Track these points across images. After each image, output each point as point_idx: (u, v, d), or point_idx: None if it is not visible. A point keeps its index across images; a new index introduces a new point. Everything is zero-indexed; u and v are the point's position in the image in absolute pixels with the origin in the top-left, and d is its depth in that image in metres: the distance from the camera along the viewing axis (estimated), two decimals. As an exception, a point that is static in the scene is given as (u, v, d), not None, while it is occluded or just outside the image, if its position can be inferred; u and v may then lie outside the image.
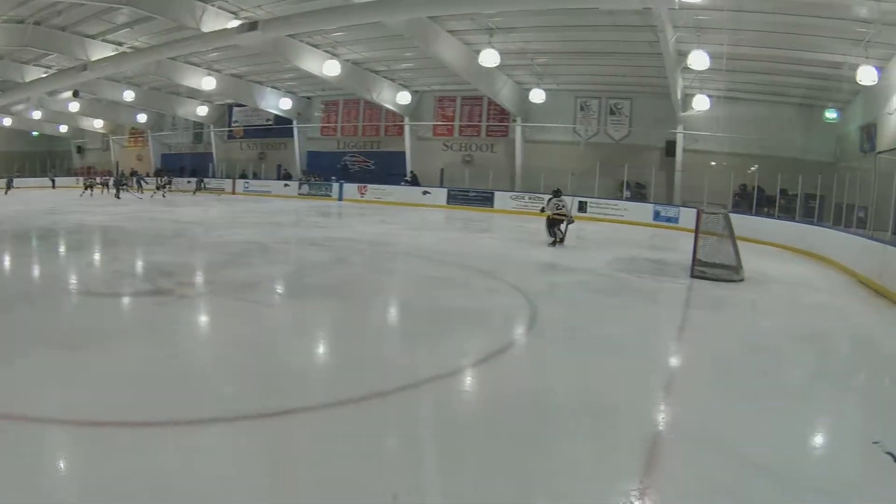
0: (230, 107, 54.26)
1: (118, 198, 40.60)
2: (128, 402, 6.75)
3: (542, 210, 23.30)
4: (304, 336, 10.11)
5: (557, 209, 22.77)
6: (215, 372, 8.02)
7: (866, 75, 25.48)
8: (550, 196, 23.40)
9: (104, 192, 44.42)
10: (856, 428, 7.64)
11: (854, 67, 25.92)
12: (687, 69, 29.48)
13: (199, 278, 14.90)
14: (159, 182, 46.19)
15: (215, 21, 28.38)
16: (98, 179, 47.13)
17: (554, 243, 22.52)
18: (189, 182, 50.28)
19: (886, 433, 7.19)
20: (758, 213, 33.01)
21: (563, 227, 22.78)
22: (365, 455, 5.92)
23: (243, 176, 53.02)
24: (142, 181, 47.46)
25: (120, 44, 34.93)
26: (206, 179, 51.41)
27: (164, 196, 43.09)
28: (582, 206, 38.57)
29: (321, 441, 6.19)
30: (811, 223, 27.12)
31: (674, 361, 10.01)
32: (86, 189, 44.17)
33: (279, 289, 14.16)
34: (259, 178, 52.89)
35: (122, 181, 44.87)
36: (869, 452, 6.63)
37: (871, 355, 11.38)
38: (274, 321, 11.14)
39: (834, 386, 9.17)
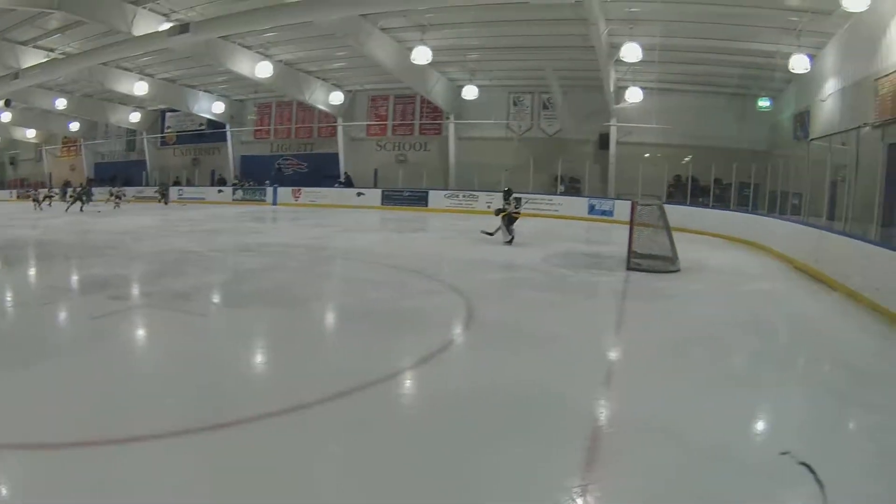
0: (163, 112, 53.22)
1: (81, 210, 39.05)
2: (64, 420, 6.47)
3: (502, 210, 23.10)
4: (241, 345, 9.81)
5: (516, 208, 22.81)
6: (154, 385, 7.74)
7: (799, 64, 25.83)
8: (506, 196, 23.43)
9: (51, 204, 42.91)
10: (799, 411, 7.68)
11: (786, 56, 26.25)
12: (620, 62, 29.65)
13: (134, 290, 14.50)
14: (112, 192, 44.40)
15: (147, 24, 27.83)
16: (47, 191, 45.72)
17: (511, 241, 22.41)
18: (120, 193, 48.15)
19: (827, 415, 7.39)
20: (692, 204, 33.29)
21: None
22: (307, 462, 5.81)
23: (177, 183, 51.94)
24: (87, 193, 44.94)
25: (51, 50, 34.15)
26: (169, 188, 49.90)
27: (116, 206, 41.88)
28: (517, 202, 38.68)
29: (263, 451, 5.99)
30: (746, 211, 27.36)
31: (613, 354, 10.01)
32: (34, 202, 42.37)
33: (215, 298, 13.87)
34: (193, 185, 51.87)
35: (84, 193, 42.58)
36: (814, 434, 6.68)
37: (810, 339, 11.52)
38: (211, 331, 10.87)
39: (775, 371, 9.16)
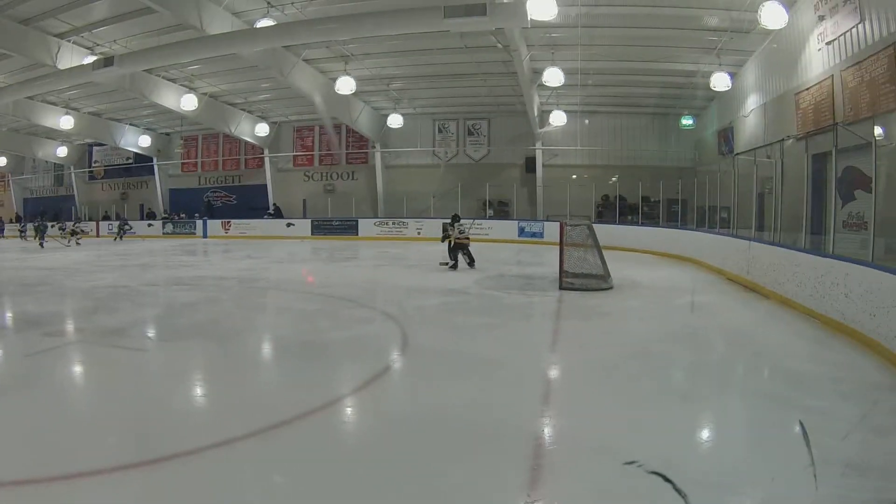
0: (90, 146, 52.41)
1: (41, 246, 38.10)
2: (3, 459, 6.32)
3: (447, 236, 23.03)
4: (177, 379, 9.57)
5: (461, 233, 22.72)
6: (91, 422, 7.59)
7: (720, 81, 26.47)
8: (451, 222, 23.29)
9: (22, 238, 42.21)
10: (738, 420, 7.74)
11: (707, 75, 26.88)
12: (542, 86, 29.96)
13: (68, 326, 14.12)
14: (73, 227, 42.71)
15: (71, 58, 27.41)
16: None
17: (455, 266, 22.42)
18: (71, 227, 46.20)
19: (768, 422, 7.43)
20: (622, 222, 33.71)
21: (469, 250, 22.81)
22: (246, 495, 5.74)
23: (106, 217, 51.05)
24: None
25: (-25, 83, 33.62)
26: (128, 222, 47.91)
27: (77, 243, 40.33)
28: (445, 228, 38.81)
29: (205, 485, 5.92)
30: (675, 227, 27.65)
31: (551, 373, 9.91)
32: None
33: (150, 332, 13.52)
34: (122, 220, 50.43)
35: (44, 227, 41.22)
36: (754, 443, 6.73)
37: (745, 349, 11.53)
38: (146, 366, 10.57)
39: (713, 381, 9.30)
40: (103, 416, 7.81)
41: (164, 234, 47.16)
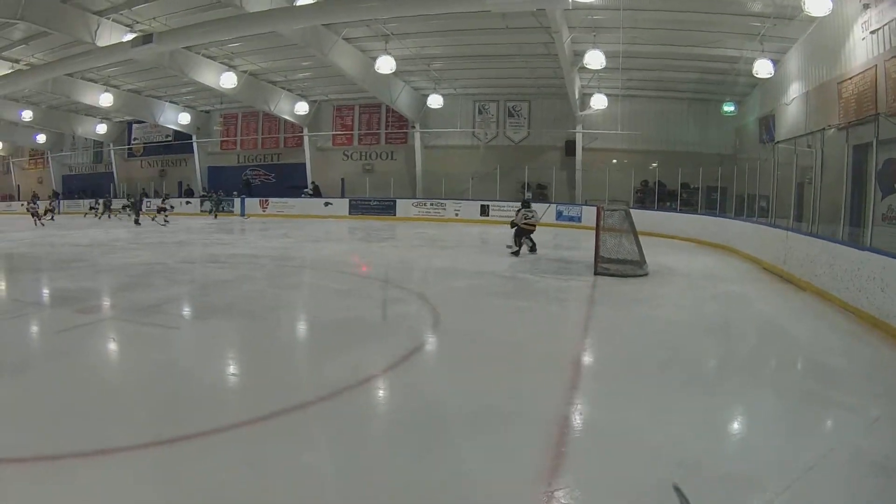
0: (129, 124, 52.68)
1: (138, 224, 37.95)
2: (31, 434, 6.37)
3: (513, 222, 22.49)
4: (210, 357, 9.65)
5: (526, 219, 22.19)
6: (124, 399, 7.58)
7: (763, 68, 26.12)
8: (520, 207, 22.81)
9: (53, 218, 41.77)
10: (768, 416, 7.61)
11: (750, 61, 26.54)
12: (584, 69, 29.79)
13: (102, 303, 14.18)
14: (161, 205, 41.19)
15: (111, 35, 27.58)
16: (47, 204, 43.48)
17: (517, 252, 21.92)
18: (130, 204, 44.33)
19: (798, 418, 7.31)
20: (660, 208, 33.48)
21: (531, 237, 22.22)
22: (281, 469, 5.70)
23: (145, 194, 50.20)
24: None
25: (16, 61, 33.77)
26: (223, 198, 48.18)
27: (165, 221, 39.21)
28: (484, 210, 38.74)
29: (238, 461, 5.93)
30: (714, 215, 27.43)
31: (580, 360, 9.82)
32: (34, 216, 39.61)
33: (184, 310, 13.61)
34: (161, 197, 49.51)
35: (138, 205, 41.18)
36: (782, 439, 6.61)
37: (780, 342, 11.42)
38: (179, 343, 10.65)
39: (744, 375, 9.11)
40: (133, 392, 7.85)
41: (201, 211, 47.27)
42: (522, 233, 22.03)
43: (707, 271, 19.11)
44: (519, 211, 22.42)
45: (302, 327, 12.50)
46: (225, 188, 47.63)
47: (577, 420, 7.10)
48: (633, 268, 17.83)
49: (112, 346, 10.50)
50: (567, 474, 5.71)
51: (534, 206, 23.14)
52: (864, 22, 19.05)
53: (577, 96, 35.27)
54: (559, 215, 36.71)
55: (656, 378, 8.78)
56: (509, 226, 23.00)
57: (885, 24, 17.93)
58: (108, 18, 27.38)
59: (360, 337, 10.83)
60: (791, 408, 7.65)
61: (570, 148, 39.56)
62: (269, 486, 5.44)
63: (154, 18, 27.61)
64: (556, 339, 11.02)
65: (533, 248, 22.17)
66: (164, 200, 41.30)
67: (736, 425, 7.43)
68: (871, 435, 6.72)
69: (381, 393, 8.20)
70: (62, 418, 6.82)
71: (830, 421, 7.32)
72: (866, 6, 18.84)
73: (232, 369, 9.23)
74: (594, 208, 19.73)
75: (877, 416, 7.29)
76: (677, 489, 5.33)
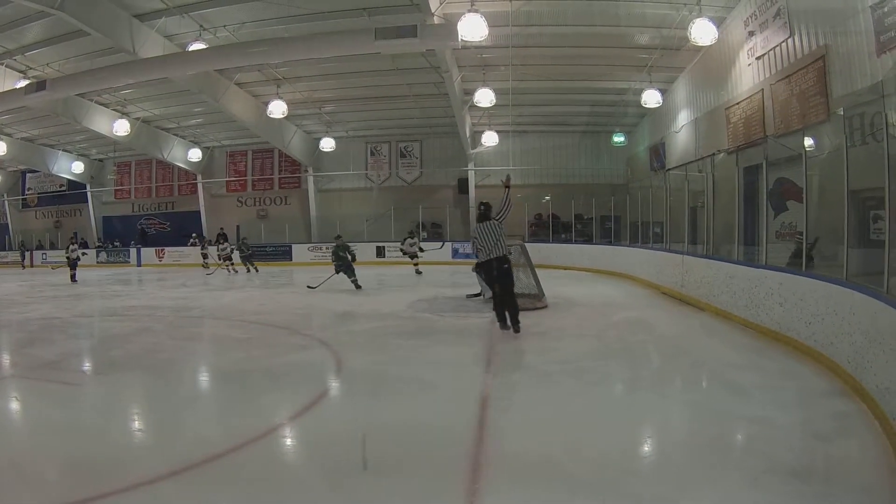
0: (24, 173, 51.71)
1: (254, 269, 35.85)
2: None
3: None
4: (114, 413, 9.35)
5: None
6: (29, 461, 7.38)
7: (651, 98, 27.02)
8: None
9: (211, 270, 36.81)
10: (677, 433, 7.76)
11: (638, 92, 27.35)
12: (474, 107, 30.08)
13: (2, 361, 13.92)
14: (242, 251, 36.80)
15: (4, 81, 27.07)
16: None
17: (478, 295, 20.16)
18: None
19: (705, 435, 7.40)
20: (555, 240, 33.90)
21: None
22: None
23: (40, 247, 50.08)
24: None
25: None
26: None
27: (255, 269, 36.30)
28: (379, 251, 38.85)
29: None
30: (609, 243, 27.82)
31: (486, 393, 9.72)
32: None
33: (84, 366, 13.31)
34: (56, 248, 49.02)
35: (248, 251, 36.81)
36: (694, 455, 6.74)
37: (682, 361, 11.62)
38: (82, 400, 10.39)
39: (650, 396, 9.27)
40: (38, 454, 7.57)
41: (97, 263, 46.21)
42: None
43: (606, 299, 19.30)
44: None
45: (205, 379, 12.30)
46: (121, 238, 46.87)
47: (487, 453, 7.02)
48: (532, 300, 17.93)
49: (15, 405, 10.22)
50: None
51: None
52: (750, 49, 19.70)
53: (468, 134, 35.77)
54: (455, 253, 36.95)
55: (564, 406, 8.81)
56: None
57: (771, 50, 18.56)
58: (2, 64, 26.92)
59: (263, 386, 10.67)
60: (700, 424, 7.78)
61: (463, 186, 40.07)
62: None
63: (48, 64, 27.17)
64: (461, 374, 10.93)
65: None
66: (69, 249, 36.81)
67: (647, 446, 7.50)
68: (780, 443, 6.87)
69: (288, 441, 8.10)
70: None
71: (740, 433, 7.43)
72: (751, 34, 19.48)
73: (137, 425, 8.98)
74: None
75: (785, 424, 7.47)
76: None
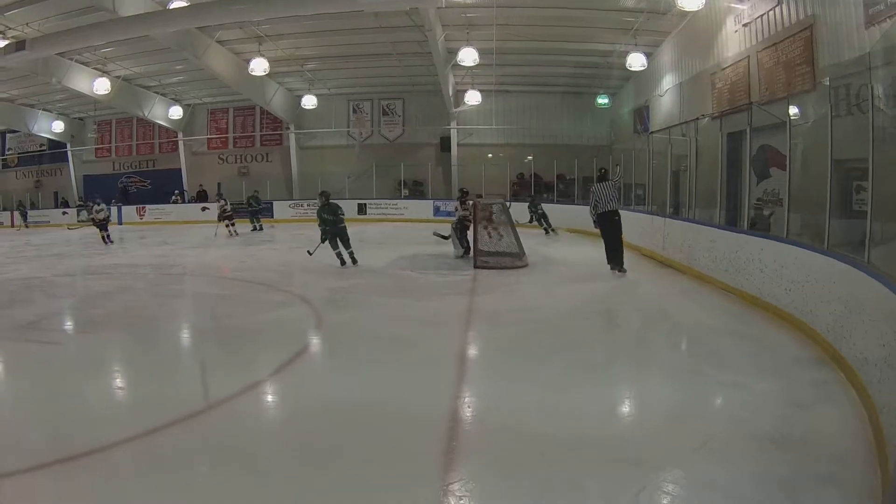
0: (3, 134, 50.59)
1: (259, 226, 35.49)
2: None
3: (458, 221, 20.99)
4: (95, 372, 9.34)
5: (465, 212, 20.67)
6: (10, 423, 7.37)
7: (636, 61, 26.96)
8: (460, 200, 21.71)
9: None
10: (653, 394, 7.86)
11: (623, 55, 27.32)
12: (457, 66, 29.91)
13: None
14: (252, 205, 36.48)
15: (-18, 43, 26.86)
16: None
17: (464, 255, 20.29)
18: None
19: (681, 396, 7.54)
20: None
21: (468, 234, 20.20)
22: (168, 485, 5.62)
23: (20, 206, 48.78)
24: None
25: None
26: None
27: (260, 227, 35.72)
28: (361, 209, 38.75)
29: (129, 476, 5.90)
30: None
31: (464, 352, 9.91)
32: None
33: (65, 325, 13.35)
34: (37, 209, 48.89)
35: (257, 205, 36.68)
36: (671, 419, 6.82)
37: (661, 324, 11.77)
38: (62, 360, 10.33)
39: (627, 357, 9.44)
40: (19, 415, 7.60)
41: (78, 221, 45.39)
42: (465, 229, 20.62)
43: (586, 260, 19.27)
44: (463, 204, 21.09)
45: (186, 336, 12.33)
46: (102, 197, 46.51)
47: (464, 413, 7.18)
48: (513, 259, 18.13)
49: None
50: (459, 469, 5.76)
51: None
52: (737, 15, 19.69)
53: (451, 93, 35.58)
54: (437, 211, 36.93)
55: (541, 366, 8.95)
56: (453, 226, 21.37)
57: (758, 17, 18.52)
58: (-21, 26, 26.68)
59: (244, 343, 10.78)
60: (677, 388, 7.85)
61: (445, 144, 39.98)
62: (166, 498, 5.39)
63: (27, 24, 26.77)
64: (440, 333, 11.08)
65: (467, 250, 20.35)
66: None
67: (623, 408, 7.66)
68: (758, 409, 6.96)
69: (269, 398, 8.18)
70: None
71: (718, 398, 7.51)
72: (739, 0, 19.38)
73: (118, 383, 9.03)
74: (470, 203, 19.71)
75: (763, 390, 7.56)
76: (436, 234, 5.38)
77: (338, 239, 19.06)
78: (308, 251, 19.56)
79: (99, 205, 31.27)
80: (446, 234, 21.48)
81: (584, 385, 8.06)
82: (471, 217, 19.79)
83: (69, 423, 7.13)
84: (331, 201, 19.33)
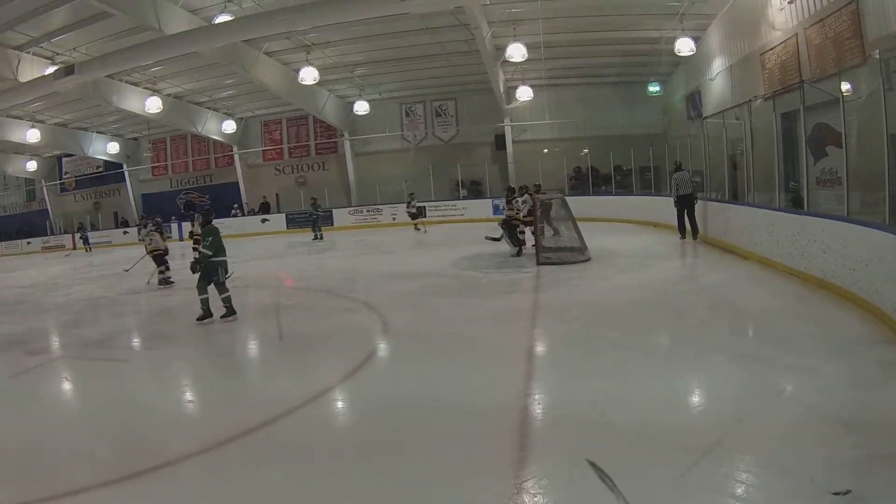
0: (59, 158, 51.53)
1: (320, 235, 35.15)
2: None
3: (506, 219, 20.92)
4: (163, 387, 9.52)
5: (512, 211, 20.71)
6: (85, 438, 7.44)
7: (684, 46, 26.56)
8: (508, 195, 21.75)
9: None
10: (720, 380, 7.78)
11: (671, 40, 26.91)
12: (507, 62, 29.82)
13: (50, 343, 13.97)
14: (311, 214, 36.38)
15: (32, 69, 27.15)
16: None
17: (519, 252, 20.12)
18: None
19: (748, 381, 7.45)
20: (596, 193, 33.77)
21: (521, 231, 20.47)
22: (242, 495, 5.65)
23: (81, 228, 49.09)
24: None
25: (-63, 103, 33.12)
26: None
27: (321, 236, 35.34)
28: (420, 211, 38.74)
29: (208, 485, 5.94)
30: (649, 194, 27.59)
31: (532, 348, 9.89)
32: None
33: (133, 341, 13.48)
34: (97, 229, 49.51)
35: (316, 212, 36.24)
36: (740, 405, 6.69)
37: (726, 311, 11.65)
38: (133, 375, 10.47)
39: (694, 345, 9.30)
40: (93, 430, 7.69)
41: (139, 241, 45.91)
42: (514, 228, 20.49)
43: (648, 250, 19.23)
44: (509, 203, 21.02)
45: (252, 347, 12.41)
46: (161, 214, 46.88)
47: (535, 408, 7.14)
48: (575, 254, 17.96)
49: (66, 385, 10.30)
50: (532, 465, 5.71)
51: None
52: (782, -7, 19.36)
53: (502, 90, 35.45)
54: (496, 210, 36.70)
55: (609, 357, 8.89)
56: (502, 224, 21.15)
57: (803, -7, 18.22)
58: (28, 53, 26.98)
59: (311, 351, 10.82)
60: (745, 374, 7.72)
61: (500, 142, 39.84)
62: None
63: (74, 49, 27.25)
64: (506, 330, 11.02)
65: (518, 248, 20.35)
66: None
67: (692, 396, 7.55)
68: (826, 392, 6.85)
69: (338, 405, 8.20)
70: (27, 464, 6.71)
71: (785, 382, 7.36)
72: (784, -23, 19.15)
73: (188, 396, 9.12)
74: (529, 199, 19.61)
75: (830, 372, 7.43)
76: (592, 464, 5.37)
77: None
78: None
79: (146, 227, 24.47)
80: (497, 236, 21.22)
81: (652, 374, 7.99)
82: (518, 216, 19.98)
83: (137, 437, 7.24)
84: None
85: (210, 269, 13.78)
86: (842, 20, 16.49)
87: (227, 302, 13.70)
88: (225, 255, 14.26)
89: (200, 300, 13.68)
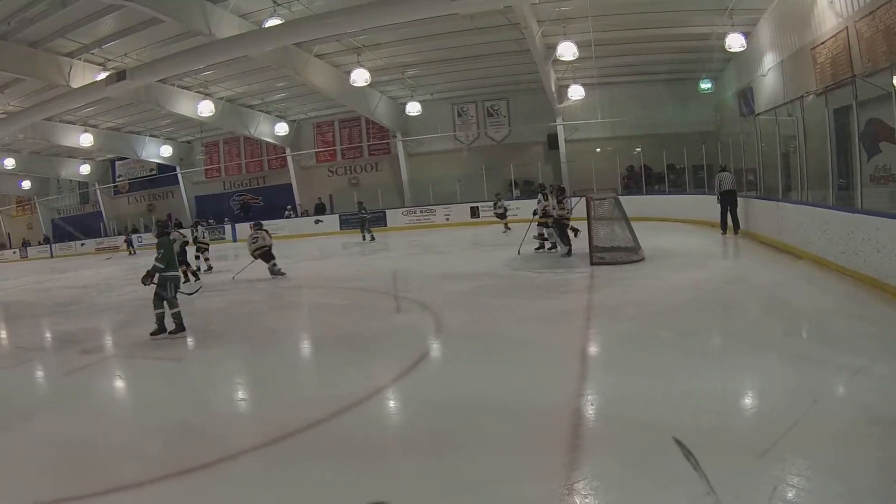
0: (112, 162, 52.69)
1: (370, 236, 35.37)
2: (48, 478, 6.35)
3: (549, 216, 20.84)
4: (217, 385, 9.64)
5: (557, 209, 20.57)
6: (137, 435, 7.53)
7: (735, 42, 26.37)
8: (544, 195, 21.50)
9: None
10: (773, 380, 7.68)
11: (721, 36, 26.69)
12: (557, 61, 29.84)
13: (104, 342, 14.23)
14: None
15: (84, 75, 27.66)
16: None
17: (569, 252, 20.01)
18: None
19: (801, 382, 7.33)
20: (649, 192, 33.56)
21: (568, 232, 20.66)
22: (295, 492, 5.70)
23: (135, 231, 50.22)
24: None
25: (-8, 110, 33.71)
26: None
27: (371, 237, 35.38)
28: (474, 212, 38.76)
29: (261, 482, 5.95)
30: (703, 193, 27.38)
31: (585, 349, 9.82)
32: None
33: (187, 340, 13.59)
34: (150, 231, 49.63)
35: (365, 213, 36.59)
36: (788, 405, 6.63)
37: (779, 311, 11.48)
38: (186, 374, 10.65)
39: (747, 346, 9.13)
40: (145, 427, 7.78)
41: (193, 240, 46.20)
42: (563, 227, 20.49)
43: (702, 249, 19.15)
44: (546, 200, 21.03)
45: (306, 346, 12.50)
46: (214, 216, 47.34)
47: (588, 409, 7.08)
48: (629, 254, 17.85)
49: (119, 383, 10.44)
50: (584, 466, 5.68)
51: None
52: (831, -14, 19.18)
53: (553, 89, 35.34)
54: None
55: (663, 359, 8.78)
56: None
57: (852, -14, 18.03)
58: (80, 59, 27.43)
59: (365, 350, 10.87)
60: (798, 374, 7.62)
61: (552, 141, 39.77)
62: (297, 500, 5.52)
63: (125, 55, 27.67)
64: (560, 331, 10.98)
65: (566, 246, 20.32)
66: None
67: (745, 397, 7.41)
68: (880, 393, 6.75)
69: (392, 403, 8.20)
70: (79, 459, 6.84)
71: (839, 383, 7.28)
72: (832, -30, 18.96)
73: (241, 394, 9.20)
74: (583, 199, 19.53)
75: (885, 373, 7.33)
76: (678, 442, 5.36)
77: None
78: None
79: (197, 229, 29.14)
80: (546, 237, 21.24)
81: (705, 375, 7.94)
82: (568, 216, 20.12)
83: (193, 435, 7.35)
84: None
85: (162, 283, 13.07)
86: (892, 12, 16.31)
87: (177, 318, 13.12)
88: (177, 270, 13.92)
89: (156, 315, 13.05)
